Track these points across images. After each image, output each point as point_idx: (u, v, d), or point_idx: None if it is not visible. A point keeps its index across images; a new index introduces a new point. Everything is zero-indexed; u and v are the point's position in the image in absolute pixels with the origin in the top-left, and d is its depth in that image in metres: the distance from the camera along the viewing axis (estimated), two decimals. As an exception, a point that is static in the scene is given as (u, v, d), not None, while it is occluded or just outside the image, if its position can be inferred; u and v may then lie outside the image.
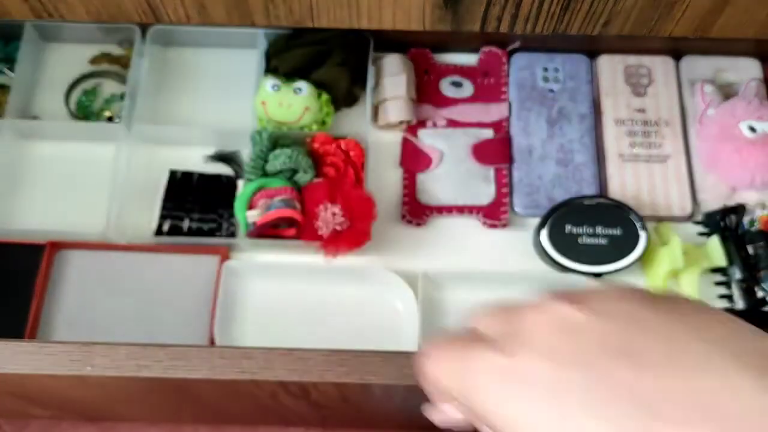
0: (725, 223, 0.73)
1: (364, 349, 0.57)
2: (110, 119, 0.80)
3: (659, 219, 0.75)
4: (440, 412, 0.32)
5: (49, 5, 0.72)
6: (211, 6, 0.71)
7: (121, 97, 0.81)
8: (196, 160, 0.78)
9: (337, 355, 0.57)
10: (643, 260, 0.72)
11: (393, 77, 0.78)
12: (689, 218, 0.76)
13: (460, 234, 0.76)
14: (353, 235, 0.69)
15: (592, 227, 0.71)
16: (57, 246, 0.74)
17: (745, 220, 0.74)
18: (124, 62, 0.83)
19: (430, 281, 0.72)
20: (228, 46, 0.83)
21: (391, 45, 0.81)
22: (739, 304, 0.71)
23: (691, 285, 0.71)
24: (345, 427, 0.94)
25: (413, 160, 0.78)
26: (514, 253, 0.75)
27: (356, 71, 0.78)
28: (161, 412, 0.83)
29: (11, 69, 0.80)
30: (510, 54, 0.83)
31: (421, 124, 0.80)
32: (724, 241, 0.72)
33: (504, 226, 0.75)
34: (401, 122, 0.79)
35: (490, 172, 0.77)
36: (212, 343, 0.69)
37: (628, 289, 0.28)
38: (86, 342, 0.59)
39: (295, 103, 0.73)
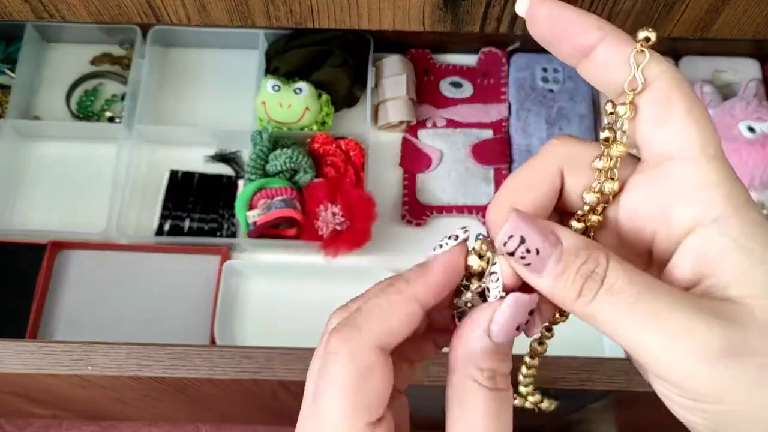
0: (724, 223, 0.73)
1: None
2: (111, 119, 0.80)
3: (658, 219, 0.75)
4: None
5: (50, 6, 0.72)
6: (211, 7, 0.71)
7: (122, 97, 0.82)
8: (196, 160, 0.79)
9: (337, 354, 0.57)
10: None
11: (393, 78, 0.78)
12: (688, 218, 0.76)
13: (460, 234, 0.76)
14: (353, 235, 0.69)
15: (592, 227, 0.71)
16: (58, 246, 0.74)
17: (744, 220, 0.74)
18: (125, 63, 0.83)
19: (430, 281, 0.72)
20: (229, 46, 0.83)
21: (391, 46, 0.81)
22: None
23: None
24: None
25: (413, 160, 0.78)
26: (514, 253, 0.75)
27: (356, 72, 0.78)
28: (162, 411, 0.83)
29: (12, 69, 0.80)
30: (509, 54, 0.83)
31: (421, 124, 0.80)
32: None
33: (503, 226, 0.75)
34: (401, 122, 0.79)
35: (490, 172, 0.78)
36: (213, 342, 0.69)
37: None
38: (87, 341, 0.60)
39: (295, 104, 0.73)
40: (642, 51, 0.22)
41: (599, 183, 0.24)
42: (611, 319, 0.21)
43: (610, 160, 0.24)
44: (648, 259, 0.24)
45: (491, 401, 0.24)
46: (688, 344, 0.20)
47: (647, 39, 0.22)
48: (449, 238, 0.26)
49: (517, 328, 0.24)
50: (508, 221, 0.23)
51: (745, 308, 0.21)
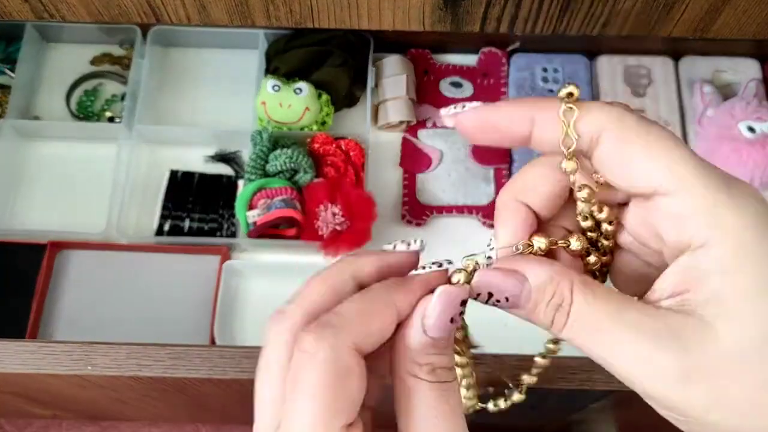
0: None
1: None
2: (111, 119, 0.80)
3: (658, 219, 0.75)
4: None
5: (50, 6, 0.72)
6: (211, 7, 0.71)
7: (122, 97, 0.82)
8: (196, 160, 0.79)
9: (337, 354, 0.57)
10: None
11: (393, 78, 0.78)
12: (688, 218, 0.76)
13: (460, 234, 0.76)
14: (353, 235, 0.69)
15: (592, 227, 0.71)
16: (58, 246, 0.74)
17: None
18: (125, 63, 0.83)
19: (430, 281, 0.72)
20: (229, 46, 0.83)
21: (391, 46, 0.81)
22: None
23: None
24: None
25: (413, 160, 0.78)
26: (514, 253, 0.75)
27: (356, 72, 0.78)
28: (162, 411, 0.83)
29: (12, 69, 0.80)
30: (509, 54, 0.83)
31: (421, 124, 0.80)
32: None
33: (503, 226, 0.75)
34: (401, 122, 0.79)
35: (490, 172, 0.78)
36: (213, 342, 0.69)
37: None
38: (87, 341, 0.60)
39: (295, 104, 0.73)
40: (570, 108, 0.23)
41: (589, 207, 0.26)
42: (583, 344, 0.23)
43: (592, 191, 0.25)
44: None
45: (433, 392, 0.24)
46: (649, 369, 0.22)
47: (570, 95, 0.23)
48: (433, 264, 0.27)
49: (451, 320, 0.25)
50: (474, 280, 0.24)
51: (711, 329, 0.22)
